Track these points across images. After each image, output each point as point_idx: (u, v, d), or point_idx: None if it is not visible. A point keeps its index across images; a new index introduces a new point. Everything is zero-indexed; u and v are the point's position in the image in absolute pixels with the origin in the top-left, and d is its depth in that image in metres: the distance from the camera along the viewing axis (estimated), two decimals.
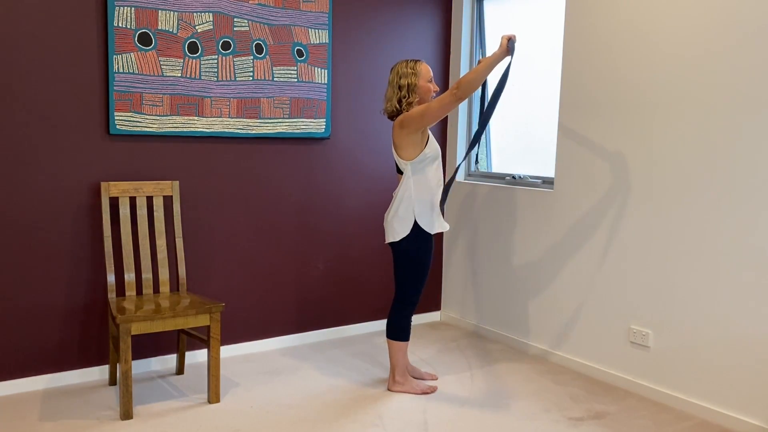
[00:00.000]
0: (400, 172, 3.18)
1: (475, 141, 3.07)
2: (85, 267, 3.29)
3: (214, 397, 3.10)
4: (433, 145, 3.15)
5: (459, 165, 3.25)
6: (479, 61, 2.96)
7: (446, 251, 4.50)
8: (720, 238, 2.97)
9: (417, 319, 4.46)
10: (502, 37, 2.94)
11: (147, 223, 3.31)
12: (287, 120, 3.74)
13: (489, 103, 3.03)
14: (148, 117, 3.33)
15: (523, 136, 4.15)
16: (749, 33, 2.83)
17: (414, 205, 3.10)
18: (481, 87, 3.30)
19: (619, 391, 3.36)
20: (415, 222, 3.10)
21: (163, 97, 3.36)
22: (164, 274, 3.33)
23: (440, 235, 4.48)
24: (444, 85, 4.36)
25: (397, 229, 3.12)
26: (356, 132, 4.06)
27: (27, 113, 3.08)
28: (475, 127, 4.35)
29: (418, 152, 3.09)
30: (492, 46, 4.24)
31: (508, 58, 2.97)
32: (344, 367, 3.61)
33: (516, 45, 2.94)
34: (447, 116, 4.40)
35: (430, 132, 3.15)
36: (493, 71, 2.95)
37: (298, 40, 3.73)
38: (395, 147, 3.14)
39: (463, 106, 4.32)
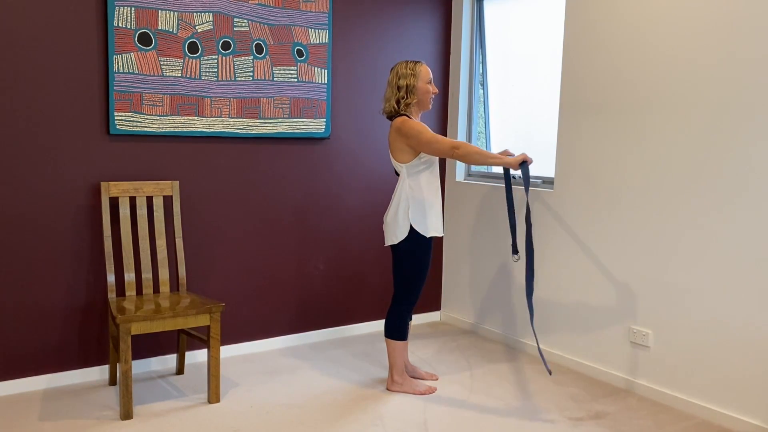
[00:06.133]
0: (398, 173, 3.18)
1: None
2: (85, 267, 3.29)
3: (214, 397, 3.10)
4: None
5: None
6: (496, 155, 2.99)
7: (446, 251, 4.50)
8: (720, 237, 2.97)
9: (417, 319, 4.46)
10: (525, 157, 2.98)
11: (147, 223, 3.31)
12: (287, 120, 3.74)
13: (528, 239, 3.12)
14: (148, 117, 3.33)
15: (523, 136, 4.15)
16: (749, 33, 2.83)
17: (409, 207, 3.09)
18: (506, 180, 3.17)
19: (619, 391, 3.36)
20: (411, 225, 3.10)
21: (163, 97, 3.36)
22: (164, 274, 3.33)
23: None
24: (444, 87, 4.36)
25: (395, 232, 3.13)
26: (356, 132, 4.06)
27: (27, 113, 3.08)
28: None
29: (414, 156, 3.09)
30: (492, 46, 4.25)
31: (513, 171, 3.06)
32: (344, 367, 3.61)
33: (530, 168, 2.97)
34: (447, 115, 4.41)
35: None
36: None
37: (298, 40, 3.72)
38: (391, 150, 3.14)
39: (463, 108, 4.32)
